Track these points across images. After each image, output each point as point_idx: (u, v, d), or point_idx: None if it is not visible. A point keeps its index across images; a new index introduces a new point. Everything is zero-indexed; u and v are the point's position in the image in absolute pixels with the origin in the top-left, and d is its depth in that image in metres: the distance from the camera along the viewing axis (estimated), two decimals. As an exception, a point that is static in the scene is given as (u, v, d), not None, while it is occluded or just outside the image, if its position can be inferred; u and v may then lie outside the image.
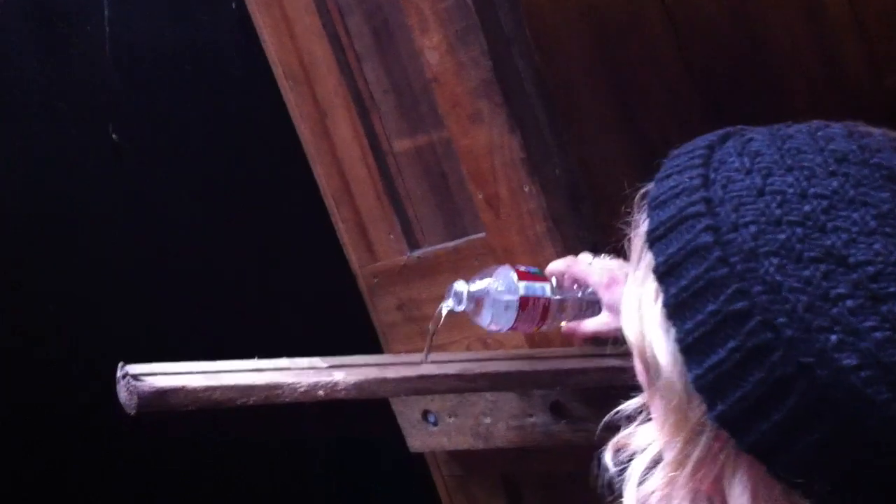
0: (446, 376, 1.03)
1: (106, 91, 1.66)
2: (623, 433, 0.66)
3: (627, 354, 0.66)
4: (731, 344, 0.55)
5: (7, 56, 1.59)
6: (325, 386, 0.97)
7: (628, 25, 1.34)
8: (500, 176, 1.29)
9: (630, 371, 0.67)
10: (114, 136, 1.66)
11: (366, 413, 1.44)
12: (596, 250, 1.30)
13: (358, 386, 0.98)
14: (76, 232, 1.62)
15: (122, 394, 0.93)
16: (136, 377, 0.93)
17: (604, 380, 1.12)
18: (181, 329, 1.63)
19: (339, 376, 0.99)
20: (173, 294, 1.66)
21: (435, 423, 1.46)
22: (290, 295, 1.69)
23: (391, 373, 1.02)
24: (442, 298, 1.49)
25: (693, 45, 1.38)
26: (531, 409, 1.32)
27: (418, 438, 1.50)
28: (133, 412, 0.92)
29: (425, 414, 1.47)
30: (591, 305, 1.18)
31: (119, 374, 0.95)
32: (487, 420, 1.37)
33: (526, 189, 1.27)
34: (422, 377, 1.02)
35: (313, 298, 1.68)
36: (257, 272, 1.71)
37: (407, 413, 1.49)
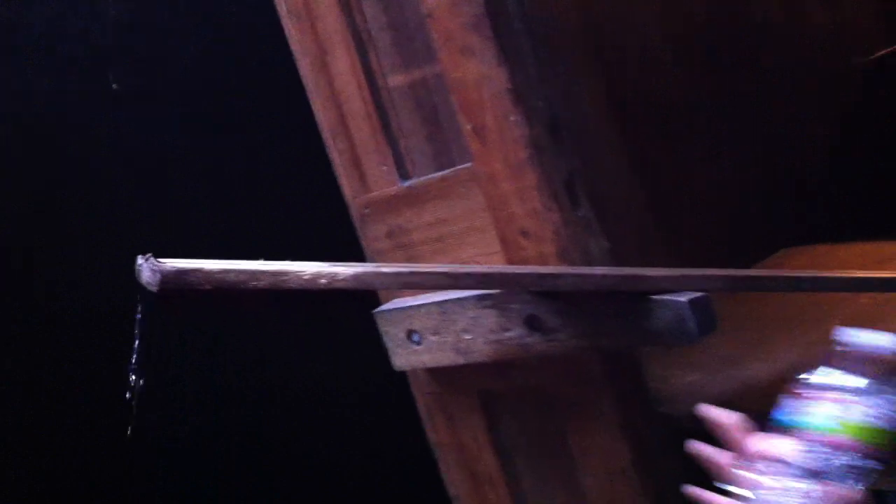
0: (435, 273, 1.14)
1: (105, 34, 1.72)
2: None
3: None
4: None
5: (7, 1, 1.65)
6: (327, 275, 1.08)
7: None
8: (487, 106, 1.40)
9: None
10: (114, 85, 1.73)
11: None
12: (570, 178, 1.42)
13: (356, 277, 1.09)
14: (74, 178, 1.68)
15: (146, 273, 1.03)
16: (158, 259, 1.03)
17: (578, 284, 1.23)
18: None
19: (339, 268, 1.10)
20: (173, 233, 1.74)
21: (419, 342, 1.57)
22: (285, 224, 1.79)
23: (386, 268, 1.13)
24: (428, 226, 1.61)
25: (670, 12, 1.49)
26: (508, 323, 1.43)
27: (402, 357, 1.61)
28: (156, 289, 1.03)
29: (409, 333, 1.58)
30: None
31: (141, 259, 1.06)
32: (468, 336, 1.48)
33: (511, 118, 1.38)
34: (413, 272, 1.13)
35: (307, 227, 1.78)
36: (256, 205, 1.80)
37: (392, 332, 1.60)
